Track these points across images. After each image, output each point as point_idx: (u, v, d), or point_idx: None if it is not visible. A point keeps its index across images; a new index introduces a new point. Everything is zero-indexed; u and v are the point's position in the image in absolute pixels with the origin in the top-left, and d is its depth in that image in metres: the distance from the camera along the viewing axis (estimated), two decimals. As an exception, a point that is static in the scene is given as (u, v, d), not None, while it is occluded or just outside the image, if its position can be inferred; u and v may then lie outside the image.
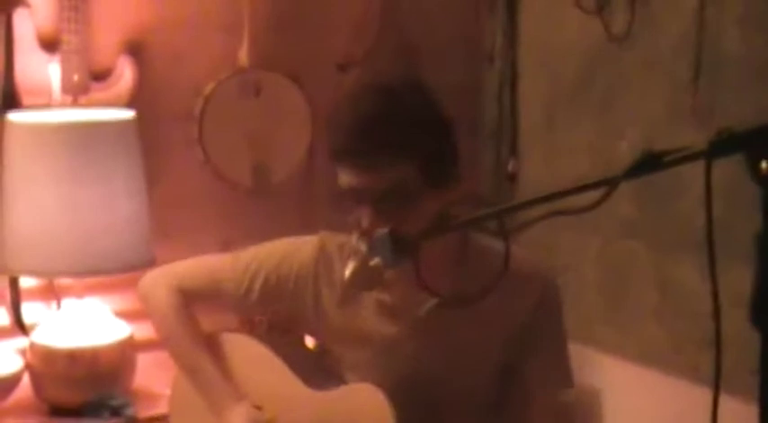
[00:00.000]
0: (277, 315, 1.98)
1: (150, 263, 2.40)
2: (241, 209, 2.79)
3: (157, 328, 1.95)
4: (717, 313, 1.31)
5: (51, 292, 2.53)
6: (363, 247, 1.56)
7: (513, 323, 1.75)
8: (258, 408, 1.85)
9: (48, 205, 2.31)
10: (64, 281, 2.49)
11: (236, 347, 1.92)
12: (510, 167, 3.04)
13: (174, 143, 2.74)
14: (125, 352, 2.43)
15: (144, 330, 2.57)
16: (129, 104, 2.59)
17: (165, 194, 2.62)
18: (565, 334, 1.81)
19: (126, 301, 2.61)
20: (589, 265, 2.82)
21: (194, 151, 2.76)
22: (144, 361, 2.51)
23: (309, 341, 2.04)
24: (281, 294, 1.83)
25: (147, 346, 2.56)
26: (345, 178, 1.66)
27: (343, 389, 1.79)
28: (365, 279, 1.61)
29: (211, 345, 1.91)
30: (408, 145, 1.64)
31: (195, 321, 1.91)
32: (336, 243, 1.82)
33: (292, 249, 1.86)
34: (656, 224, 2.64)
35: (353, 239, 1.64)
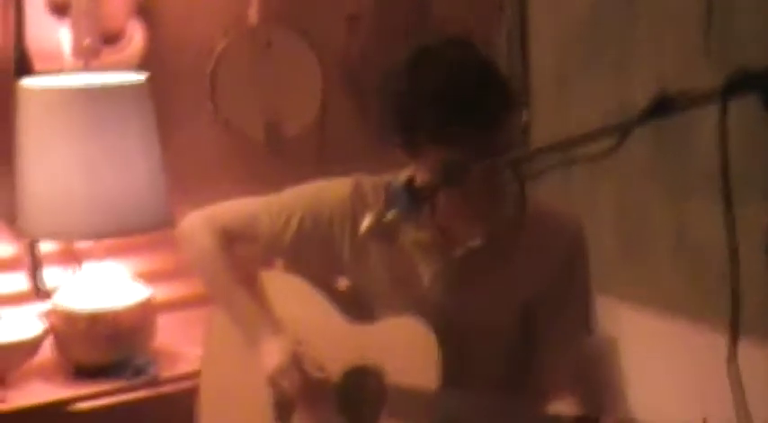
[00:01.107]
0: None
1: (169, 222, 2.41)
2: (256, 165, 2.79)
3: (197, 267, 1.97)
4: (732, 251, 1.30)
5: (71, 256, 2.54)
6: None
7: (542, 270, 1.76)
8: (298, 342, 1.86)
9: (64, 169, 2.32)
10: (83, 244, 2.51)
11: (276, 284, 1.94)
12: (522, 118, 3.03)
13: (187, 103, 2.73)
14: (145, 313, 2.45)
15: (164, 291, 2.61)
16: (141, 66, 2.58)
17: (181, 154, 2.61)
18: (589, 283, 1.81)
19: (146, 262, 2.64)
20: (604, 210, 2.81)
21: (207, 110, 2.76)
22: (164, 322, 2.53)
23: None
24: (316, 234, 1.84)
25: (167, 306, 2.60)
26: (441, 154, 1.58)
27: (385, 322, 1.79)
28: (382, 232, 1.62)
29: (251, 282, 1.92)
30: (511, 101, 1.63)
31: (234, 259, 1.92)
32: (371, 183, 1.82)
33: (327, 190, 1.86)
34: (672, 167, 2.63)
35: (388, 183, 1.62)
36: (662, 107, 1.31)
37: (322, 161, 2.87)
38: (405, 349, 1.74)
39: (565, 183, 2.78)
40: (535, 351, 1.79)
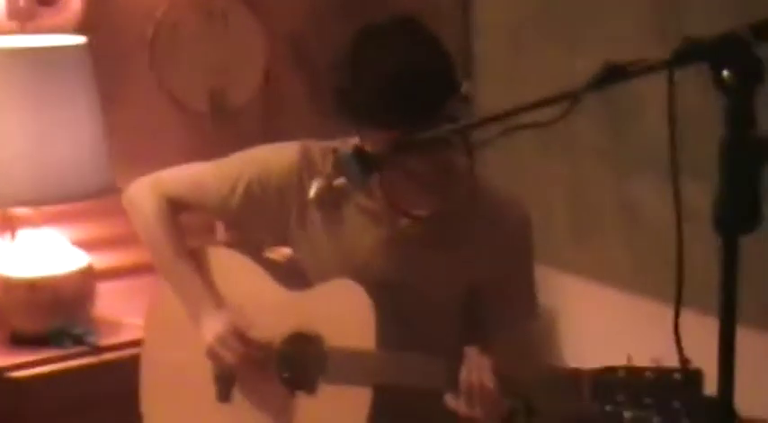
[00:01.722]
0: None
1: (111, 190, 2.38)
2: (200, 134, 2.77)
3: (142, 235, 1.95)
4: (679, 225, 1.32)
5: (7, 223, 2.50)
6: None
7: (485, 248, 1.76)
8: (238, 314, 1.85)
9: (3, 133, 2.28)
10: (20, 211, 2.46)
11: (216, 259, 1.93)
12: (463, 90, 3.02)
13: (128, 70, 2.70)
14: (85, 281, 2.42)
15: (103, 260, 2.58)
16: (78, 31, 2.53)
17: (123, 122, 2.58)
18: (532, 266, 1.83)
19: (85, 230, 2.60)
20: (554, 186, 2.84)
21: (150, 78, 2.72)
22: (104, 290, 2.50)
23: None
24: (262, 199, 1.82)
25: (106, 275, 2.57)
26: (384, 135, 1.58)
27: (322, 288, 1.80)
28: (330, 199, 1.62)
29: (195, 256, 1.92)
30: (454, 84, 1.64)
31: (180, 230, 1.91)
32: (319, 149, 1.80)
33: (274, 155, 1.84)
34: (620, 144, 2.66)
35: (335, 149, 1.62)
36: (610, 75, 1.31)
37: (266, 131, 2.85)
38: (342, 313, 1.75)
39: (516, 160, 2.80)
40: (478, 331, 1.79)
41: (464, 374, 1.58)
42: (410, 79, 1.58)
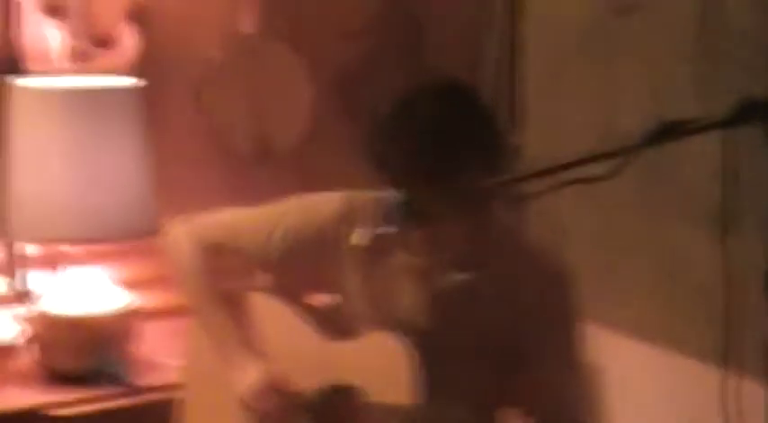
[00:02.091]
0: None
1: (154, 231, 2.39)
2: (243, 177, 2.78)
3: (179, 281, 1.96)
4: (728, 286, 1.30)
5: (53, 260, 2.51)
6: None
7: (523, 306, 1.75)
8: (273, 363, 1.85)
9: (52, 171, 2.30)
10: (66, 249, 2.48)
11: (255, 305, 1.92)
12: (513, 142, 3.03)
13: (176, 111, 2.72)
14: (128, 320, 2.42)
15: (148, 299, 2.58)
16: (132, 72, 2.57)
17: (168, 163, 2.59)
18: (573, 324, 1.80)
19: (130, 269, 2.61)
20: (589, 239, 2.82)
21: (198, 119, 2.75)
22: (146, 330, 2.50)
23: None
24: (302, 248, 1.82)
25: (150, 315, 2.57)
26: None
27: (360, 340, 1.78)
28: (372, 248, 1.62)
29: (232, 302, 1.91)
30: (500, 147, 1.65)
31: (217, 276, 1.91)
32: (362, 200, 1.80)
33: (316, 204, 1.85)
34: (658, 196, 2.64)
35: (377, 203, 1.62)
36: (664, 133, 1.31)
37: (309, 177, 2.86)
38: (380, 366, 1.74)
39: (542, 211, 2.78)
40: (517, 384, 1.77)
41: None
42: (449, 149, 1.59)
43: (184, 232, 1.94)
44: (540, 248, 1.78)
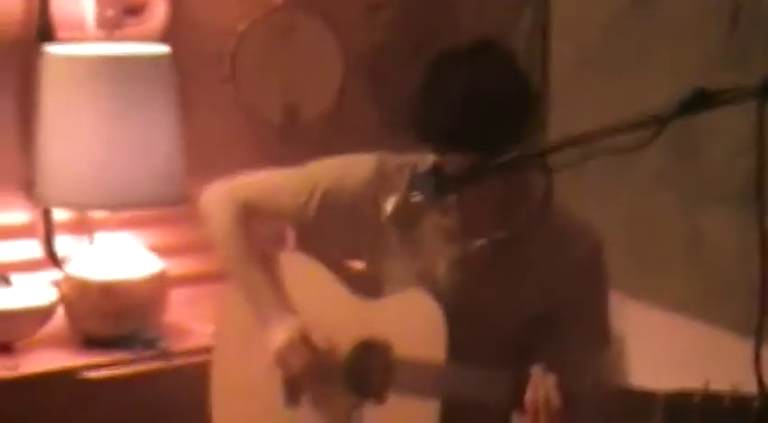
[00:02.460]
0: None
1: (184, 199, 2.42)
2: (272, 147, 2.79)
3: (215, 239, 1.97)
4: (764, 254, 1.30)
5: (84, 226, 2.55)
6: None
7: (555, 276, 1.75)
8: (307, 321, 1.87)
9: (83, 138, 2.33)
10: (97, 215, 2.51)
11: (289, 265, 1.94)
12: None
13: (206, 81, 2.73)
14: (158, 286, 2.45)
15: (176, 266, 2.61)
16: (162, 40, 2.58)
17: (197, 131, 2.61)
18: (605, 295, 1.81)
19: (159, 236, 2.65)
20: (618, 215, 2.82)
21: (226, 89, 2.76)
22: (175, 297, 2.54)
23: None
24: (337, 210, 1.84)
25: (178, 282, 2.60)
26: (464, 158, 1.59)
27: (393, 297, 1.80)
28: (406, 216, 1.63)
29: (267, 262, 1.93)
30: (532, 106, 1.66)
31: (253, 236, 1.93)
32: (395, 163, 1.81)
33: (350, 166, 1.86)
34: (686, 173, 2.64)
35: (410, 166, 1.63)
36: (698, 102, 1.32)
37: (336, 148, 2.88)
38: (412, 323, 1.76)
39: (577, 188, 2.79)
40: (539, 355, 1.77)
41: (529, 393, 1.58)
42: (488, 102, 1.59)
43: (219, 194, 1.96)
44: (573, 217, 1.79)
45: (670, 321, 2.65)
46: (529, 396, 1.58)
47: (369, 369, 1.82)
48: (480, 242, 1.74)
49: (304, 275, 1.94)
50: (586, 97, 2.91)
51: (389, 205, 1.62)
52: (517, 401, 1.60)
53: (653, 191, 2.73)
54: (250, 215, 1.93)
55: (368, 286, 1.89)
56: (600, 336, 1.81)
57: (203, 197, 1.99)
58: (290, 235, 2.52)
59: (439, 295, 1.74)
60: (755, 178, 1.27)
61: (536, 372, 1.60)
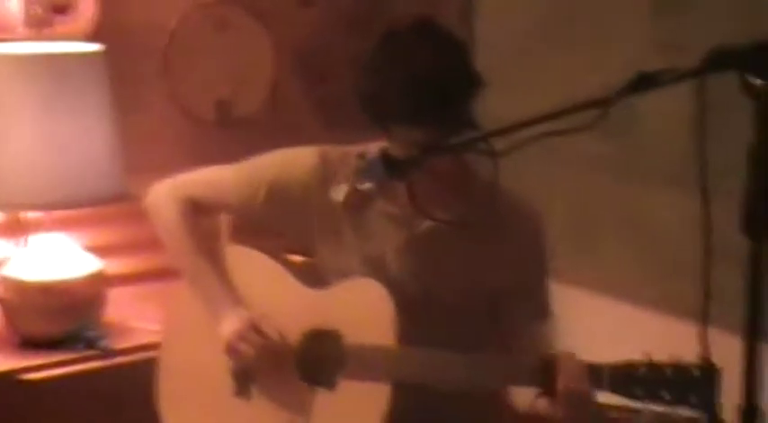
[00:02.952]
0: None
1: (122, 196, 2.41)
2: (207, 143, 2.80)
3: (164, 236, 1.98)
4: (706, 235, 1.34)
5: (19, 227, 2.51)
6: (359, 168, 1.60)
7: (502, 255, 1.80)
8: (257, 312, 1.88)
9: (16, 137, 2.29)
10: (32, 215, 2.48)
11: (238, 259, 1.96)
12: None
13: (138, 78, 2.72)
14: (97, 285, 2.43)
15: (114, 265, 2.59)
16: (92, 39, 2.56)
17: (132, 129, 2.60)
18: (547, 270, 1.87)
19: (96, 236, 2.62)
20: (557, 198, 2.88)
21: (160, 86, 2.75)
22: (114, 296, 2.51)
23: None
24: (283, 199, 1.87)
25: (117, 280, 2.58)
26: (411, 134, 1.63)
27: (341, 285, 1.83)
28: (356, 202, 1.66)
29: (215, 255, 1.95)
30: (476, 81, 1.69)
31: (200, 231, 1.96)
32: (337, 154, 1.85)
33: (293, 158, 1.89)
34: (621, 155, 2.71)
35: (355, 155, 1.66)
36: (641, 84, 1.36)
37: (272, 142, 2.88)
38: (362, 310, 1.79)
39: (518, 172, 2.84)
40: (495, 333, 1.83)
41: (564, 381, 1.60)
42: (436, 78, 1.63)
43: (165, 191, 1.98)
44: (516, 196, 1.83)
45: (607, 302, 2.71)
46: (563, 384, 1.60)
47: (319, 357, 1.83)
48: (428, 224, 1.78)
49: (252, 268, 1.96)
50: (515, 81, 2.96)
51: (339, 193, 1.64)
52: (544, 386, 1.63)
53: (590, 173, 2.79)
54: (197, 211, 1.96)
55: (313, 277, 1.91)
56: (543, 308, 1.86)
57: (149, 195, 2.00)
58: (224, 232, 2.55)
59: (389, 280, 1.77)
60: (698, 158, 1.31)
61: (565, 358, 1.63)
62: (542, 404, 1.65)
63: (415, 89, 1.62)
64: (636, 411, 1.92)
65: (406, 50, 1.66)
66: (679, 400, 1.52)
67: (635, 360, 1.57)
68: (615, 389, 1.58)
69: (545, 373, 1.62)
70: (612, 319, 2.71)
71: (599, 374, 1.59)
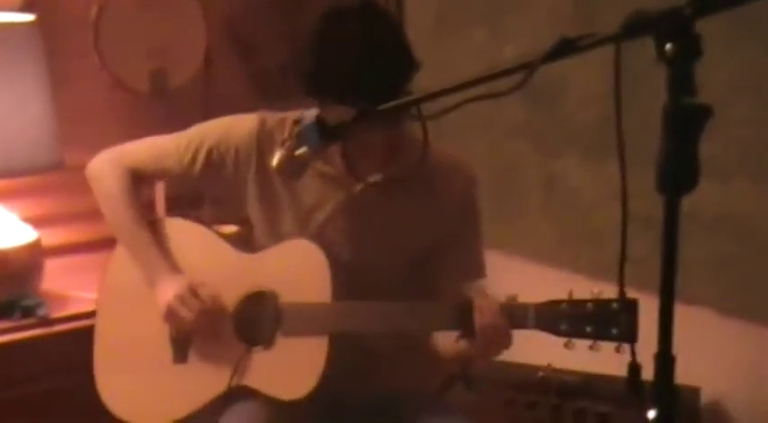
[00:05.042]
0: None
1: (57, 165, 2.42)
2: (141, 114, 2.81)
3: (103, 205, 2.01)
4: (624, 201, 1.40)
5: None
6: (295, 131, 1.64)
7: (436, 213, 1.87)
8: (194, 280, 1.92)
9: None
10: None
11: (175, 229, 2.00)
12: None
13: (70, 50, 2.72)
14: (34, 255, 2.44)
15: (51, 236, 2.60)
16: (23, 9, 2.55)
17: (66, 101, 2.60)
18: (480, 227, 1.94)
19: (32, 206, 2.63)
20: (477, 165, 2.94)
21: (91, 58, 2.75)
22: (50, 266, 2.53)
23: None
24: (222, 165, 1.91)
25: (52, 251, 2.60)
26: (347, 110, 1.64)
27: (276, 248, 1.89)
28: (292, 167, 1.70)
29: (153, 227, 1.99)
30: (412, 63, 1.73)
31: (139, 201, 1.99)
32: (276, 119, 1.90)
33: (233, 124, 1.93)
34: (541, 124, 2.79)
35: (291, 121, 1.69)
36: (563, 48, 1.42)
37: (205, 112, 2.89)
38: (297, 270, 1.85)
39: (439, 140, 2.90)
40: (429, 291, 1.89)
41: (478, 318, 1.67)
42: (375, 61, 1.67)
43: (106, 160, 2.01)
44: (448, 155, 1.90)
45: (530, 270, 2.79)
46: (478, 321, 1.67)
47: (257, 317, 1.89)
48: (361, 186, 1.83)
49: (188, 238, 2.00)
50: (442, 54, 3.02)
51: (275, 158, 1.68)
52: (462, 327, 1.69)
53: (510, 140, 2.87)
54: (137, 180, 1.99)
55: (246, 247, 1.96)
56: (477, 268, 1.93)
57: (90, 165, 2.03)
58: (159, 203, 2.59)
59: (323, 242, 1.83)
60: (615, 123, 1.37)
61: (480, 298, 1.70)
62: (463, 345, 1.72)
63: (356, 74, 1.66)
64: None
65: (349, 32, 1.69)
66: (601, 332, 1.61)
67: (557, 299, 1.66)
68: (541, 326, 1.66)
69: (462, 314, 1.69)
70: (532, 282, 2.79)
71: (524, 313, 1.67)
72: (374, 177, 1.82)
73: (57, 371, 2.30)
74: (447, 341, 1.78)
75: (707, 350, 2.30)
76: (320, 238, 1.84)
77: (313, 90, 1.71)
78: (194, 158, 1.93)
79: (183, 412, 1.92)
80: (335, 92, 1.67)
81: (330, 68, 1.68)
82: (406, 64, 1.72)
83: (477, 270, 1.93)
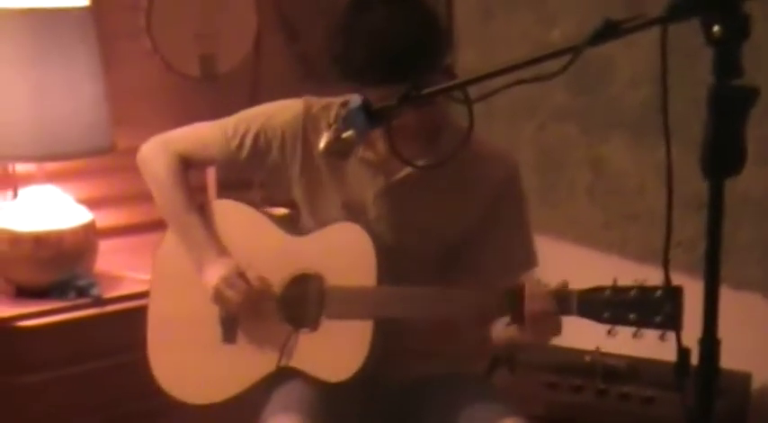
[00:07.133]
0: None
1: (110, 148, 2.46)
2: (190, 98, 2.85)
3: (154, 190, 2.04)
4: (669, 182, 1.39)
5: (9, 180, 2.56)
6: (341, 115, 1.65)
7: (478, 200, 1.87)
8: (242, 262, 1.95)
9: (7, 90, 2.34)
10: (24, 168, 2.53)
11: (225, 212, 2.03)
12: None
13: (122, 34, 2.76)
14: (88, 236, 2.49)
15: (104, 217, 2.65)
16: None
17: (117, 84, 2.65)
18: (527, 215, 1.93)
19: (86, 188, 2.68)
20: (524, 148, 2.94)
21: (143, 42, 2.79)
22: (104, 247, 2.58)
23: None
24: (269, 149, 1.94)
25: (106, 232, 2.65)
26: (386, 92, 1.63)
27: (322, 231, 1.91)
28: (338, 149, 1.71)
29: (202, 210, 2.02)
30: (448, 45, 1.74)
31: (188, 185, 2.02)
32: (321, 104, 1.92)
33: (278, 109, 1.96)
34: (588, 108, 2.77)
35: (338, 105, 1.71)
36: (609, 31, 1.41)
37: (254, 97, 2.93)
38: (342, 253, 1.86)
39: (487, 124, 2.90)
40: (472, 277, 1.89)
41: (528, 304, 1.68)
42: (409, 39, 1.68)
43: (156, 145, 2.04)
44: (490, 142, 1.91)
45: (574, 252, 2.78)
46: (528, 307, 1.68)
47: (302, 299, 1.91)
48: (405, 172, 1.85)
49: (236, 220, 2.02)
50: (489, 36, 3.02)
51: (322, 141, 1.70)
52: (512, 313, 1.70)
53: (557, 124, 2.86)
54: (185, 165, 2.02)
55: (294, 228, 1.99)
56: (527, 253, 1.93)
57: (140, 150, 2.06)
58: (211, 187, 2.62)
59: (369, 224, 1.85)
60: (660, 106, 1.36)
61: (531, 284, 1.71)
62: (513, 331, 1.73)
63: (386, 53, 1.67)
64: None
65: (375, 15, 1.71)
66: (644, 320, 1.60)
67: (601, 285, 1.65)
68: (583, 313, 1.66)
69: (512, 300, 1.70)
70: (579, 267, 2.78)
71: (567, 300, 1.67)
72: (417, 162, 1.83)
73: (109, 350, 2.35)
74: (497, 326, 1.79)
75: (757, 335, 2.29)
76: (363, 223, 1.86)
77: (344, 75, 1.72)
78: (241, 143, 1.96)
79: (232, 391, 1.95)
80: (360, 75, 1.68)
81: (357, 52, 1.69)
82: (434, 43, 1.72)
83: (527, 258, 1.93)
